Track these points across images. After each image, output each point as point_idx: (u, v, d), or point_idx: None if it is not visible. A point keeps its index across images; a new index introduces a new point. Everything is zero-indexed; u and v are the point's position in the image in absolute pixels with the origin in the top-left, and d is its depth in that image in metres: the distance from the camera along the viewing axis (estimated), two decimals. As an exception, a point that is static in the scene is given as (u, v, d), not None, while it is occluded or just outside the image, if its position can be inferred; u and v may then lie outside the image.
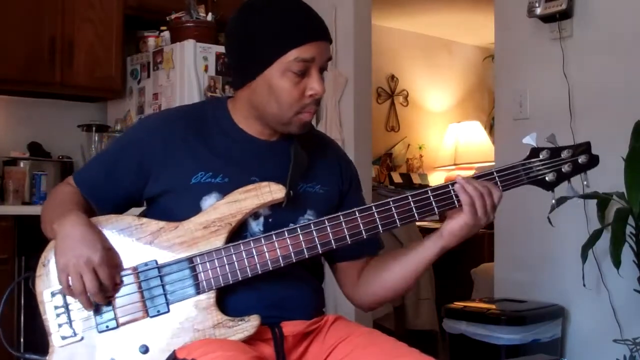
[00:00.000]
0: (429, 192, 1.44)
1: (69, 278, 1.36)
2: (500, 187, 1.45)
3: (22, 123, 3.89)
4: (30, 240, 3.21)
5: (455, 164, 6.21)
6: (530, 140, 1.47)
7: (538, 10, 3.17)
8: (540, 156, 1.46)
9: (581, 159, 1.46)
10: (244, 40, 1.46)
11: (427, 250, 1.50)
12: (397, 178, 5.91)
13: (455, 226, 1.44)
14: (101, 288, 1.37)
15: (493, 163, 3.77)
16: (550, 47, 3.22)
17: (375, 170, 5.79)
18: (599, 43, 3.08)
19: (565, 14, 3.12)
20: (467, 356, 3.08)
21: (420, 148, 6.32)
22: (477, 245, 5.07)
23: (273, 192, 1.44)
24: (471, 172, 6.75)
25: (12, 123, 3.87)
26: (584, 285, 2.83)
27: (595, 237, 2.72)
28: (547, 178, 1.46)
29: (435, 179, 6.30)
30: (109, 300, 1.39)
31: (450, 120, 6.43)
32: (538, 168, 1.46)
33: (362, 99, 4.11)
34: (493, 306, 3.17)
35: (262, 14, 1.45)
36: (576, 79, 3.13)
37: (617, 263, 2.52)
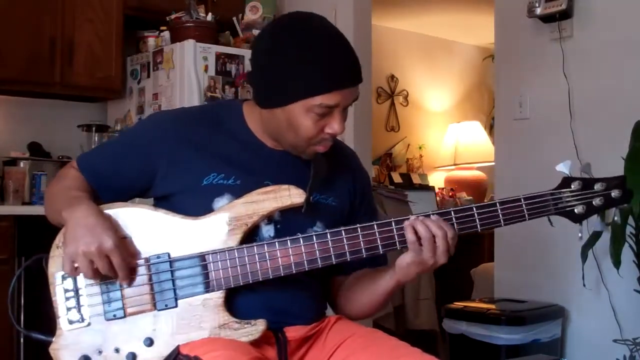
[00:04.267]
0: (452, 212, 1.40)
1: (75, 264, 1.35)
2: (527, 216, 1.41)
3: (22, 123, 3.89)
4: (30, 240, 3.22)
5: (455, 164, 6.21)
6: (563, 168, 1.41)
7: (538, 10, 3.17)
8: (572, 187, 1.41)
9: (614, 194, 1.40)
10: (274, 69, 1.41)
11: (383, 282, 1.49)
12: (397, 178, 5.90)
13: (402, 262, 1.42)
14: (113, 271, 1.36)
15: (493, 163, 3.77)
16: (550, 48, 3.22)
17: (375, 170, 5.78)
18: (599, 43, 3.09)
19: (565, 14, 3.12)
20: (467, 356, 3.08)
21: (420, 148, 6.32)
22: (477, 245, 5.07)
23: (292, 196, 1.43)
24: (471, 172, 6.71)
25: (12, 123, 3.87)
26: (584, 285, 2.83)
27: (595, 237, 2.72)
28: (576, 210, 1.41)
29: (435, 179, 6.30)
30: (121, 284, 1.39)
31: (450, 120, 6.43)
32: (568, 199, 1.41)
33: (362, 99, 4.07)
34: (493, 306, 3.18)
35: (297, 47, 1.39)
36: (576, 79, 3.14)
37: (617, 263, 2.53)
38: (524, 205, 1.41)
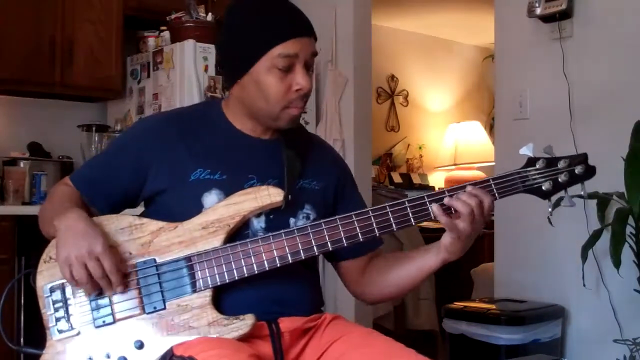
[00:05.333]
0: (425, 197, 1.46)
1: (72, 270, 1.37)
2: (497, 195, 1.46)
3: (22, 123, 3.89)
4: (30, 240, 3.21)
5: (455, 164, 6.21)
6: (526, 151, 1.47)
7: (538, 10, 3.17)
8: (537, 165, 1.47)
9: (578, 170, 1.46)
10: (231, 40, 1.51)
11: (428, 261, 1.53)
12: (397, 178, 5.91)
13: (446, 241, 1.46)
14: (105, 275, 1.38)
15: (493, 163, 3.77)
16: (550, 47, 3.22)
17: (375, 170, 5.79)
18: (599, 43, 3.08)
19: (565, 14, 3.12)
20: (467, 356, 3.08)
21: (420, 148, 6.32)
22: (477, 245, 5.07)
23: (272, 195, 1.47)
24: (471, 173, 6.73)
25: (12, 123, 3.87)
26: (584, 285, 2.83)
27: (595, 237, 2.72)
28: (543, 187, 1.47)
29: (435, 179, 6.31)
30: (115, 290, 1.41)
31: (450, 120, 6.43)
32: (534, 177, 1.47)
33: (362, 99, 4.11)
34: (493, 306, 3.17)
35: (246, 14, 1.50)
36: (576, 79, 3.13)
37: (617, 263, 2.52)
38: (493, 186, 1.46)
